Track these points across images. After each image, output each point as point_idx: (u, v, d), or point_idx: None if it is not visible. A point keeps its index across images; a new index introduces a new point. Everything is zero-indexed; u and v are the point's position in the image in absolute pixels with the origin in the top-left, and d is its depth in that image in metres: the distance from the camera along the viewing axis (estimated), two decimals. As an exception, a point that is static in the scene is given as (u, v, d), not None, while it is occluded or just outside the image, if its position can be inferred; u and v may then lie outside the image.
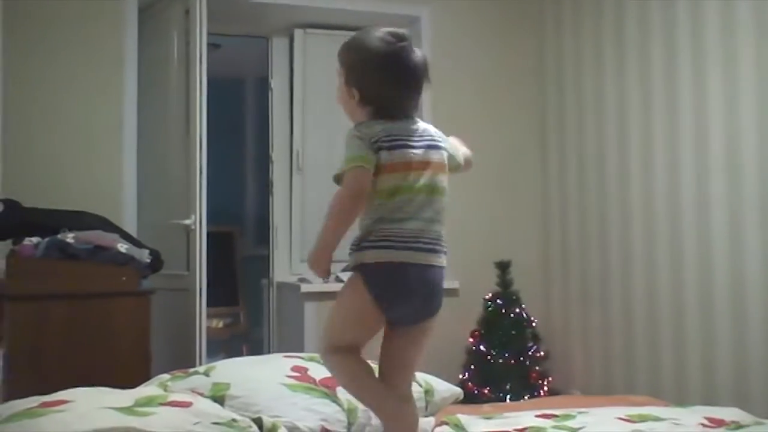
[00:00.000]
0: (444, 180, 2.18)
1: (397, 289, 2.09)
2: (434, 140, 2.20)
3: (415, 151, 2.12)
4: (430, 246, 2.10)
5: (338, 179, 2.12)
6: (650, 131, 4.18)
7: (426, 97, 4.88)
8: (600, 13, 4.55)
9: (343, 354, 2.14)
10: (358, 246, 2.10)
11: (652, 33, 4.17)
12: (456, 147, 2.33)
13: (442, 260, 2.14)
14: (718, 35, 3.76)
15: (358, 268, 2.10)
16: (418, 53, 2.19)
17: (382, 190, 2.08)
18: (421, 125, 2.21)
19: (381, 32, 2.18)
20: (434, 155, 2.17)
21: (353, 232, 2.15)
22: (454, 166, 2.29)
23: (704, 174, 3.85)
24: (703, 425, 2.49)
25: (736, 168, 3.67)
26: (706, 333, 3.82)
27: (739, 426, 2.52)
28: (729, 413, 2.66)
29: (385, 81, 2.15)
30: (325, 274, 2.13)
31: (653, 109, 4.16)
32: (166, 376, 2.71)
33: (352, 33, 5.36)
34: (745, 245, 3.62)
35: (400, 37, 2.17)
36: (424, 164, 2.13)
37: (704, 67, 3.84)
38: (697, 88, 3.88)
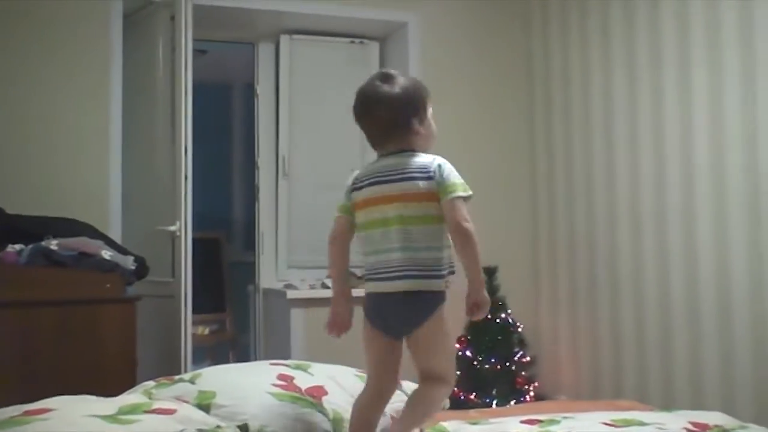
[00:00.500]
0: (402, 208, 2.18)
1: (374, 316, 2.25)
2: (403, 173, 2.19)
3: (374, 188, 2.22)
4: (386, 274, 2.19)
5: None
6: (636, 133, 4.19)
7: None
8: (586, 18, 4.57)
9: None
10: None
11: (637, 35, 4.18)
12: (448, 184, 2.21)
13: (401, 285, 2.17)
14: (704, 33, 3.78)
15: None
16: (381, 86, 2.25)
17: (357, 227, 2.29)
18: (402, 159, 2.22)
19: None
20: (394, 188, 2.19)
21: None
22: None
23: (691, 175, 3.86)
24: (687, 429, 2.49)
25: (722, 169, 3.69)
26: (693, 337, 3.84)
27: (723, 430, 2.53)
28: (713, 417, 2.67)
29: (354, 116, 2.32)
30: (344, 327, 2.31)
31: (639, 110, 4.18)
32: (150, 384, 2.69)
33: (338, 39, 5.42)
34: (731, 248, 3.64)
35: (374, 76, 2.30)
36: (381, 199, 2.20)
37: (689, 64, 3.85)
38: (683, 86, 3.89)
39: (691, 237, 3.85)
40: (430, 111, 2.33)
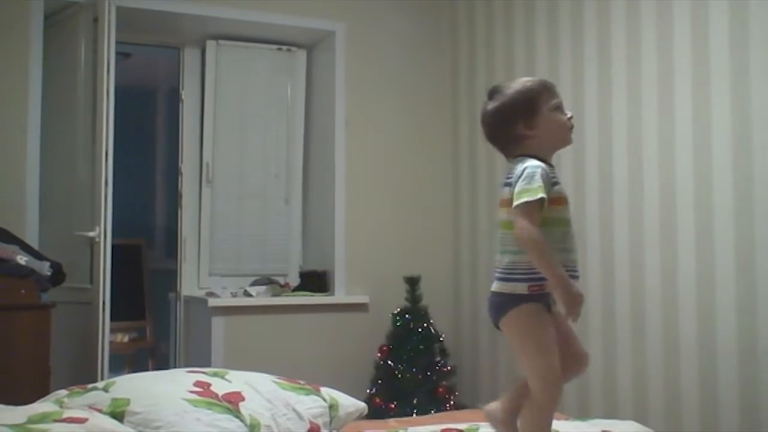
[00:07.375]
0: (503, 213, 2.28)
1: None
2: (507, 179, 2.28)
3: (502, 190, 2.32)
4: (494, 274, 2.31)
5: None
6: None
7: (340, 110, 4.91)
8: (511, 31, 4.63)
9: None
10: None
11: (560, 51, 4.26)
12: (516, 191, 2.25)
13: (495, 286, 2.29)
14: (625, 46, 3.87)
15: None
16: (485, 104, 2.39)
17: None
18: (512, 166, 2.30)
19: None
20: (502, 193, 2.30)
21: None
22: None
23: (610, 188, 3.94)
24: (602, 438, 2.54)
25: (640, 183, 3.77)
26: (607, 348, 3.91)
27: (637, 438, 2.59)
28: (626, 426, 2.74)
29: None
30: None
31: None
32: (63, 392, 2.63)
33: (265, 46, 5.37)
34: (645, 262, 3.71)
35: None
36: (499, 203, 2.32)
37: (610, 81, 3.94)
38: (603, 106, 3.98)
39: (607, 249, 3.92)
40: (548, 106, 2.32)
